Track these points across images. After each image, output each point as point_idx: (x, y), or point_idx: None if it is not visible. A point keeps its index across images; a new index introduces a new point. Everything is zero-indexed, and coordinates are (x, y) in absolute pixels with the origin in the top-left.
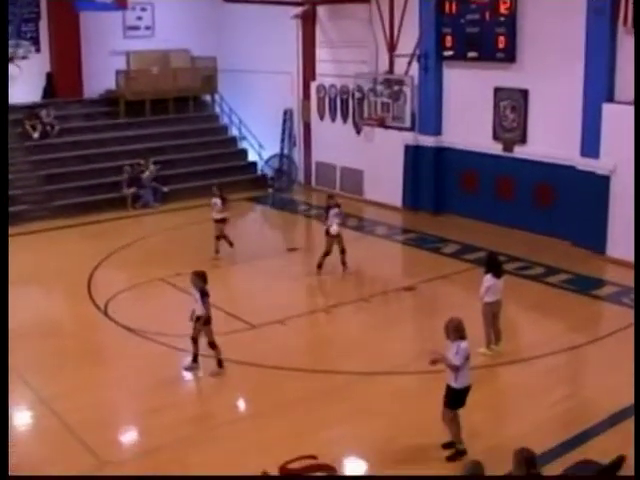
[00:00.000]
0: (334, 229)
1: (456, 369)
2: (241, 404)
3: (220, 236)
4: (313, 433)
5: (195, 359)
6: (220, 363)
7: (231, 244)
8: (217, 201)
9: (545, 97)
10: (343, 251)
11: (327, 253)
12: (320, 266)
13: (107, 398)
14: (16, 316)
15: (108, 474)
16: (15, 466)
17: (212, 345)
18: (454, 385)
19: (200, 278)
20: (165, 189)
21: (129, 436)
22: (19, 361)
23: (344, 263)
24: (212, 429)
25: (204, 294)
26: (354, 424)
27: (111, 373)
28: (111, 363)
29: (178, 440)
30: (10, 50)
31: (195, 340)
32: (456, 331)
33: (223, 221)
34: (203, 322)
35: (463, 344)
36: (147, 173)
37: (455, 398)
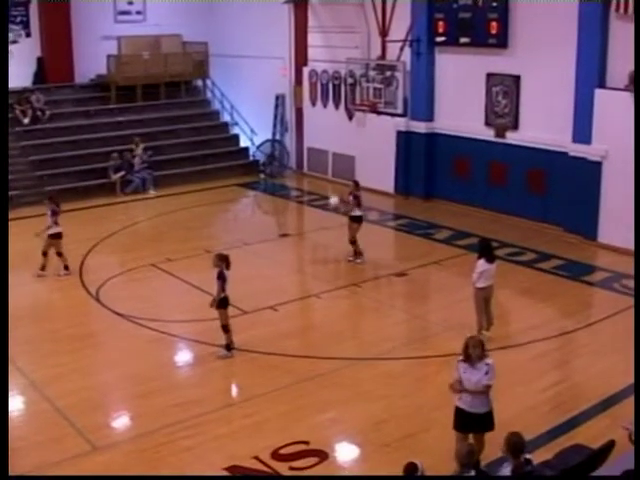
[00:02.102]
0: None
1: (488, 389)
2: (233, 389)
3: (46, 252)
4: (304, 418)
5: (228, 347)
6: (228, 347)
7: (66, 267)
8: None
9: (537, 83)
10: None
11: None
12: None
13: (98, 382)
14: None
15: (99, 458)
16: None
17: (225, 329)
18: (490, 407)
19: (220, 259)
20: (153, 174)
21: (120, 420)
22: (10, 346)
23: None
24: (203, 414)
25: (220, 276)
26: (345, 409)
27: (102, 358)
28: (102, 348)
29: (169, 424)
30: None
31: (224, 328)
32: (481, 346)
33: (56, 236)
34: (216, 305)
35: (491, 361)
36: (137, 158)
37: (488, 421)
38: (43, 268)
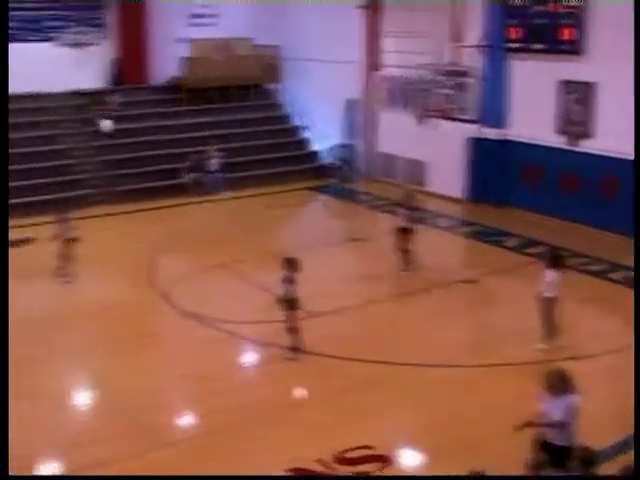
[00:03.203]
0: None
1: (561, 425)
2: (296, 391)
3: (68, 256)
4: (367, 422)
5: (295, 349)
6: (295, 349)
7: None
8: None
9: (612, 90)
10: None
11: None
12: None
13: (163, 381)
14: (76, 298)
15: (160, 455)
16: (71, 445)
17: (293, 331)
18: (569, 442)
19: (289, 262)
20: (225, 176)
21: (183, 419)
22: (78, 341)
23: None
24: (264, 415)
25: (288, 279)
26: (408, 414)
27: (168, 357)
28: (169, 347)
29: (231, 425)
30: (78, 37)
31: (292, 330)
32: (562, 382)
33: (73, 241)
34: (287, 307)
35: (574, 398)
36: (212, 160)
37: (561, 456)
38: (66, 272)
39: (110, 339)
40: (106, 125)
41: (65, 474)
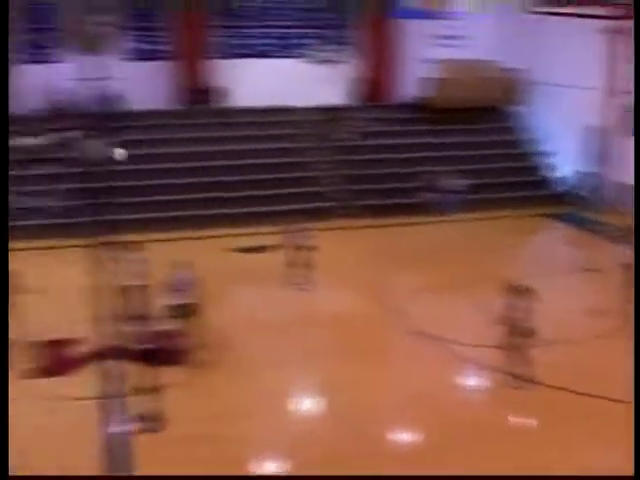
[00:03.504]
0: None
1: None
2: (515, 419)
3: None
4: (578, 455)
5: (521, 377)
6: (521, 378)
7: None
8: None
9: None
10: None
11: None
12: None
13: (387, 395)
14: (311, 306)
15: (379, 465)
16: (291, 446)
17: (521, 359)
18: None
19: (521, 292)
20: (461, 197)
21: (403, 434)
22: (310, 348)
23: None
24: (483, 439)
25: (519, 308)
26: (619, 455)
27: (394, 372)
28: (395, 362)
29: (447, 445)
30: (326, 54)
31: (521, 358)
32: None
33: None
34: (518, 335)
35: None
36: (449, 181)
37: None
38: (301, 280)
39: (340, 349)
40: (120, 153)
41: (281, 472)
